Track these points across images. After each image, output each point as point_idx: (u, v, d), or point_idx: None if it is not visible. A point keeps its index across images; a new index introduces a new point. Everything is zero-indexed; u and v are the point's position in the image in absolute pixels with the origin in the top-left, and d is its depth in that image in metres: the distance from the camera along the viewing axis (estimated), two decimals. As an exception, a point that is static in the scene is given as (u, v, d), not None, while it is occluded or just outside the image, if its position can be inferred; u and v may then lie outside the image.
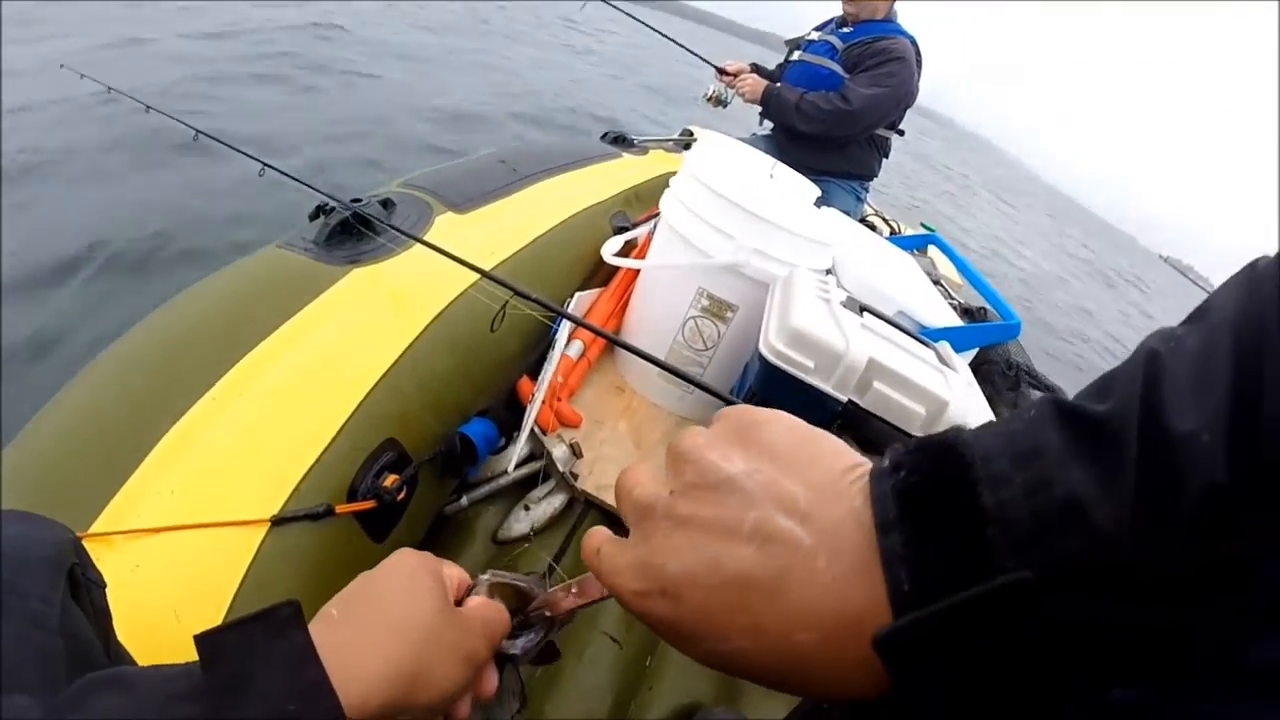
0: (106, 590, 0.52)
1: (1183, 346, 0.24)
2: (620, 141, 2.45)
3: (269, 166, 1.49)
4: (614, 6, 3.12)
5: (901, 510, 0.25)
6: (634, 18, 3.28)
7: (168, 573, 0.75)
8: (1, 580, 0.41)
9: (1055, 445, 0.24)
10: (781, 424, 0.32)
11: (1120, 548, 0.22)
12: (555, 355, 1.16)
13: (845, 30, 2.63)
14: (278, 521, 0.85)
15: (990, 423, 0.27)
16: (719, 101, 2.88)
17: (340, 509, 0.92)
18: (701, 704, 1.14)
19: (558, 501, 1.30)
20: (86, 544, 0.53)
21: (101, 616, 0.50)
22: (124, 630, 0.53)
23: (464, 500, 1.28)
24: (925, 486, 0.26)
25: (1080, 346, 7.91)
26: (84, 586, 0.48)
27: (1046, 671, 0.23)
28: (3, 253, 2.24)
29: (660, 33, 3.27)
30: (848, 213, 2.61)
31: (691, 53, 3.18)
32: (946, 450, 0.26)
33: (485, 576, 0.47)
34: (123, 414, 0.87)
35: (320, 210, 1.31)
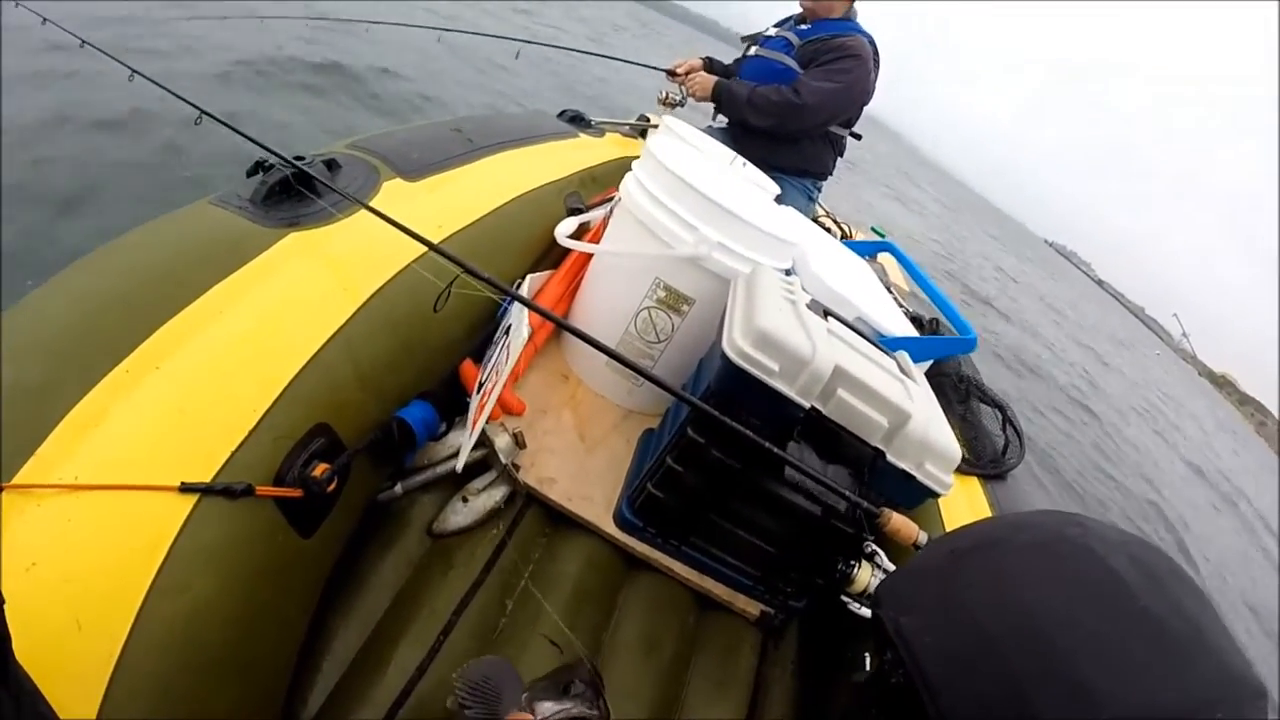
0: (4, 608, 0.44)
1: None
2: (577, 121, 2.36)
3: (207, 114, 1.36)
4: (551, 46, 3.13)
5: None
6: (572, 49, 3.27)
7: (69, 570, 0.65)
8: None
9: None
10: None
11: None
12: (515, 342, 1.08)
13: (803, 27, 2.61)
14: (188, 489, 0.75)
15: None
16: (673, 104, 2.86)
17: (262, 490, 0.83)
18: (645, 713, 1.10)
19: (499, 494, 1.22)
20: None
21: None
22: (21, 640, 0.45)
23: (399, 488, 1.20)
24: None
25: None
26: None
27: None
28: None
29: (600, 55, 3.31)
30: (800, 211, 2.59)
31: (635, 64, 3.20)
32: None
33: None
34: (25, 386, 0.74)
35: (259, 166, 1.19)
